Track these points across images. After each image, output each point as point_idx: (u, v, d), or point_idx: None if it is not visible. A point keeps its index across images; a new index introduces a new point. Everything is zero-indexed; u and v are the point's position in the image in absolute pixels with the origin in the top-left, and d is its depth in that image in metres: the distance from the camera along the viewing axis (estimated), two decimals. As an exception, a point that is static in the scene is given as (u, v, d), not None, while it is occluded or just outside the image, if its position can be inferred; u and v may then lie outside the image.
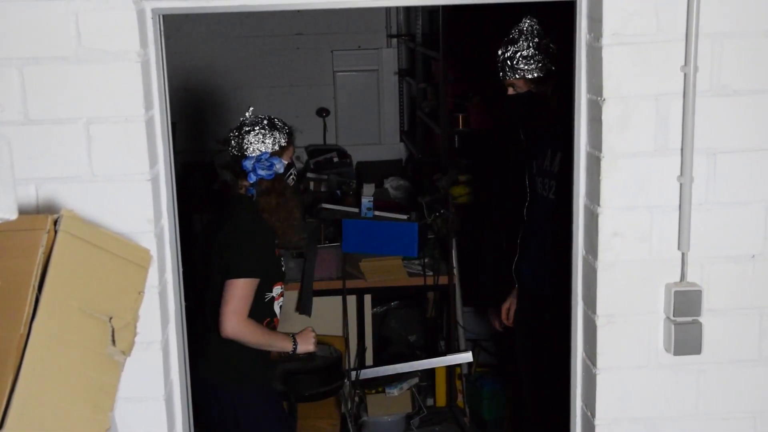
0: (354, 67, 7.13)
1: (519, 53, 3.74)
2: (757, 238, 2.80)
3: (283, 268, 3.81)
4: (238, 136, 3.58)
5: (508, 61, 3.78)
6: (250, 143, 3.55)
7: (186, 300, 2.95)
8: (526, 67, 3.74)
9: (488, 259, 4.82)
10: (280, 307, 3.80)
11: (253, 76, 6.09)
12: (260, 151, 3.54)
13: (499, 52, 3.81)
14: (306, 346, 3.70)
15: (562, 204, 3.49)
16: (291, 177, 3.67)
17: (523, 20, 3.75)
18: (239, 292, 3.49)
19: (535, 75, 3.74)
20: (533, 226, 4.01)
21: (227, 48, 6.24)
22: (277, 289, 3.73)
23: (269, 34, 6.19)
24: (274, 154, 3.55)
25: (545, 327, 3.79)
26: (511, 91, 3.85)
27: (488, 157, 5.21)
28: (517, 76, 3.78)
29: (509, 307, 4.35)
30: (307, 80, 6.58)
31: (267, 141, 3.55)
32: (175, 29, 4.48)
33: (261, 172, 3.52)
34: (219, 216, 3.80)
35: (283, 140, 3.58)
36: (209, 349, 3.60)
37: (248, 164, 3.53)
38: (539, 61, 3.73)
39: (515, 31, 3.77)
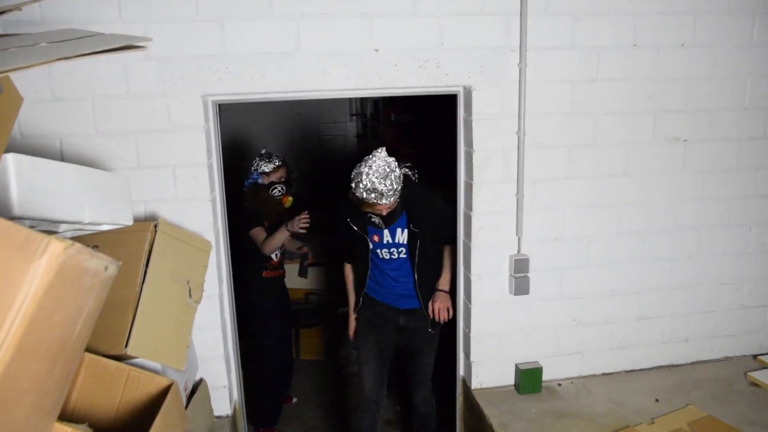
0: (332, 133, 7.06)
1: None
2: (558, 229, 2.96)
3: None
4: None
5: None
6: (252, 165, 3.66)
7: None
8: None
9: None
10: None
11: (270, 138, 6.03)
12: (254, 170, 3.63)
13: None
14: (294, 227, 3.46)
15: None
16: (275, 189, 3.61)
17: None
18: (255, 235, 3.56)
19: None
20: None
21: (256, 121, 6.17)
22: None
23: (281, 113, 6.15)
24: (262, 173, 3.60)
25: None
26: None
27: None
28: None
29: None
30: (304, 140, 6.54)
31: (257, 166, 3.63)
32: (225, 109, 4.36)
33: (249, 181, 3.62)
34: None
35: (267, 168, 3.61)
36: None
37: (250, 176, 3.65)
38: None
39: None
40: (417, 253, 2.96)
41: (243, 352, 3.07)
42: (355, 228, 2.99)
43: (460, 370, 3.16)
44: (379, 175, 2.65)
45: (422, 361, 3.17)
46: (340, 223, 3.06)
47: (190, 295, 2.40)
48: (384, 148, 2.72)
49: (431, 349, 3.16)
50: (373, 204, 2.72)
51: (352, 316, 3.25)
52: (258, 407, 3.82)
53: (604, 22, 2.75)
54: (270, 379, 3.83)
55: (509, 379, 3.06)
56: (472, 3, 2.62)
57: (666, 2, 2.79)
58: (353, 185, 2.72)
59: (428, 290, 3.05)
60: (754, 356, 3.30)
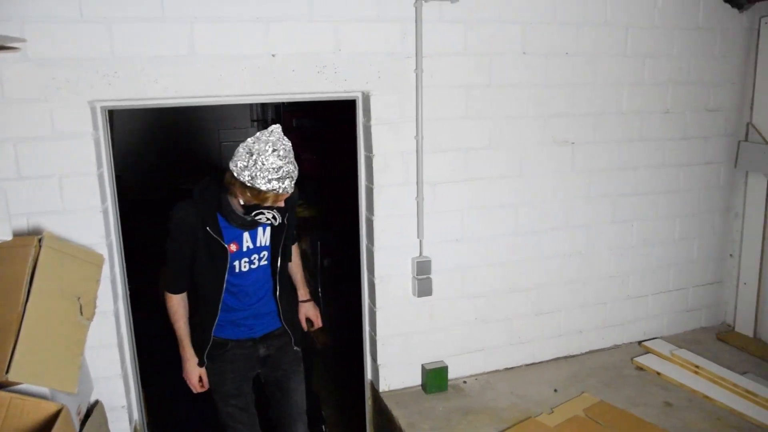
0: (232, 139, 6.89)
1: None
2: (458, 231, 3.03)
3: None
4: None
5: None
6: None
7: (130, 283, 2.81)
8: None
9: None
10: None
11: (169, 144, 5.78)
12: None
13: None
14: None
15: None
16: None
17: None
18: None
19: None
20: None
21: (156, 128, 5.93)
22: None
23: (181, 118, 5.94)
24: None
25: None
26: None
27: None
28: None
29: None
30: (204, 148, 6.34)
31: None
32: (122, 115, 4.08)
33: None
34: None
35: None
36: None
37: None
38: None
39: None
40: (279, 255, 2.43)
41: (154, 367, 2.85)
42: (215, 236, 2.29)
43: (368, 374, 3.16)
44: (288, 157, 2.12)
45: (293, 388, 2.62)
46: (179, 236, 2.32)
47: (81, 313, 2.27)
48: (279, 126, 2.17)
49: (299, 372, 2.64)
50: (281, 194, 2.16)
51: (193, 362, 2.46)
52: (177, 418, 3.73)
53: (494, 30, 2.86)
54: (182, 391, 3.72)
55: (416, 380, 3.09)
56: (369, 9, 2.64)
57: (551, 13, 2.95)
58: (248, 177, 2.10)
59: (286, 302, 2.54)
60: (639, 342, 3.53)
